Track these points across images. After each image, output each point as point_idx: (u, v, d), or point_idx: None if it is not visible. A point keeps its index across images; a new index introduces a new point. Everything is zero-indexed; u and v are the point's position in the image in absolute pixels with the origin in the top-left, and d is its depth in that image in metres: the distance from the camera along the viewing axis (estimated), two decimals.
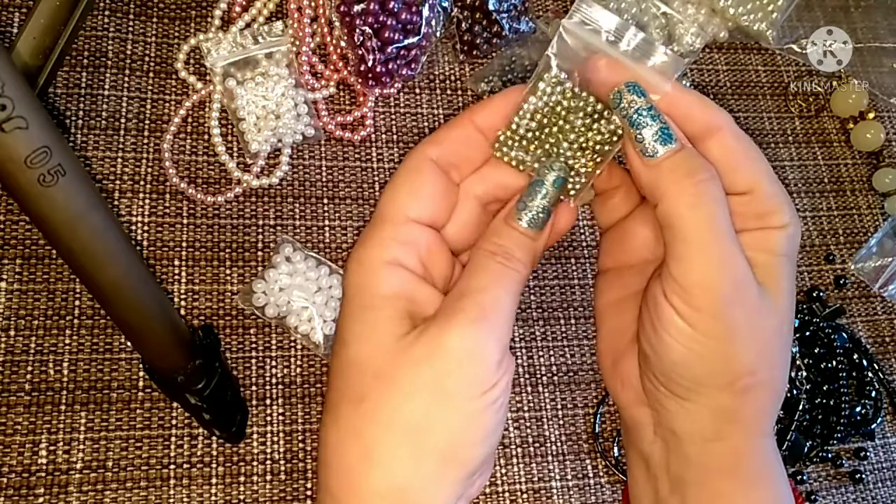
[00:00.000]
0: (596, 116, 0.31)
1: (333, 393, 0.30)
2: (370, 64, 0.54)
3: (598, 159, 0.32)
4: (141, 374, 0.47)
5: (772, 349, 0.30)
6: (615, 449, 0.51)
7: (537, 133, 0.32)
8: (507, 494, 0.49)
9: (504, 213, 0.32)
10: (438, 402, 0.28)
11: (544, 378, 0.52)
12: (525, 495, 0.49)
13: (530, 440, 0.51)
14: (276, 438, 0.47)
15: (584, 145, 0.32)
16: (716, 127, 0.30)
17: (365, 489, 0.28)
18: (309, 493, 0.47)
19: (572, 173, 0.32)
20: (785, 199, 0.31)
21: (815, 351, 0.54)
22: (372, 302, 0.30)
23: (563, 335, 0.53)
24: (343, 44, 0.55)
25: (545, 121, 0.32)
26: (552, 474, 0.50)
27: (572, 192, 0.33)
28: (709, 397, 0.30)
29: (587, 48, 0.31)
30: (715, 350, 0.29)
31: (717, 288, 0.28)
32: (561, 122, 0.32)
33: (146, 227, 0.49)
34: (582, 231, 0.56)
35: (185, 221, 0.50)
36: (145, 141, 0.51)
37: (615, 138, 0.32)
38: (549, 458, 0.50)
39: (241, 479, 0.46)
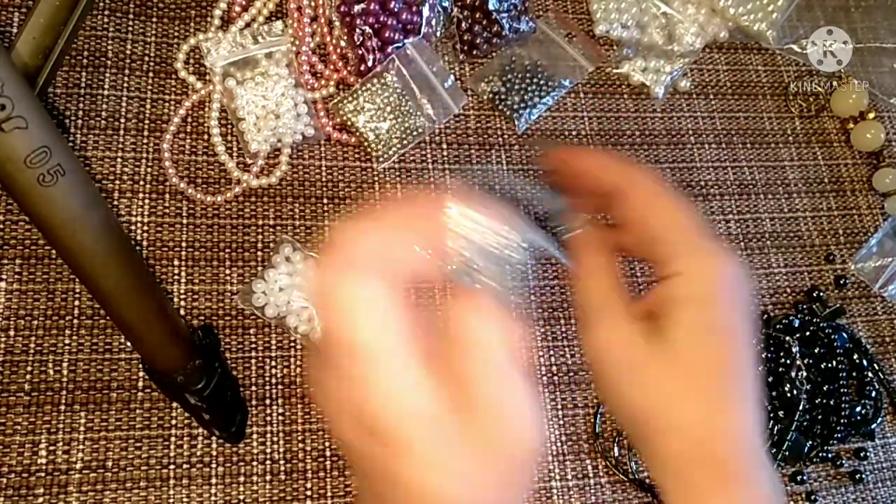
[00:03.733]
0: None
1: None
2: (370, 64, 0.54)
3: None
4: (140, 374, 0.46)
5: (669, 393, 0.30)
6: (615, 449, 0.51)
7: None
8: None
9: None
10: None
11: (544, 378, 0.52)
12: (524, 495, 0.49)
13: None
14: (275, 438, 0.47)
15: None
16: (621, 192, 0.31)
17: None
18: (308, 492, 0.47)
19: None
20: (684, 250, 0.30)
21: (816, 351, 0.54)
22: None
23: (563, 335, 0.53)
24: (343, 43, 0.55)
25: None
26: (552, 474, 0.50)
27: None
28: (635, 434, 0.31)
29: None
30: (613, 402, 0.31)
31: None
32: None
33: (146, 227, 0.49)
34: None
35: (184, 221, 0.50)
36: (145, 141, 0.51)
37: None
38: (550, 457, 0.50)
39: (241, 478, 0.46)
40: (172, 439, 0.46)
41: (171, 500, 0.45)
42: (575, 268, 0.32)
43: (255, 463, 0.47)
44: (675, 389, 0.29)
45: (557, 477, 0.50)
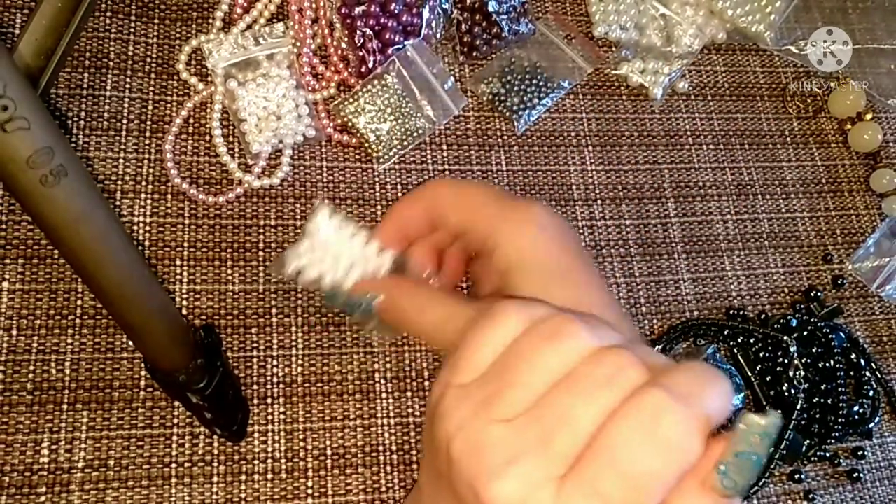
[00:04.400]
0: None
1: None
2: (371, 65, 0.54)
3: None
4: (142, 373, 0.47)
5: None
6: None
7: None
8: None
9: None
10: None
11: None
12: None
13: None
14: (277, 437, 0.48)
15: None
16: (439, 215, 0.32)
17: None
18: (309, 491, 0.47)
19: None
20: (487, 226, 0.30)
21: (813, 350, 0.55)
22: None
23: None
24: (344, 45, 0.55)
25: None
26: None
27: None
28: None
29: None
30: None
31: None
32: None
33: (148, 228, 0.50)
34: (581, 231, 0.56)
35: (186, 222, 0.50)
36: (147, 141, 0.51)
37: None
38: None
39: (243, 477, 0.46)
40: (174, 438, 0.46)
41: (172, 499, 0.45)
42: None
43: (256, 461, 0.47)
44: None
45: None
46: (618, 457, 0.21)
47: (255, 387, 0.48)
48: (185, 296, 0.49)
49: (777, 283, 0.58)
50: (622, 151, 0.59)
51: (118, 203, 0.50)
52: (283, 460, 0.47)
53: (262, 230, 0.51)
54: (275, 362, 0.49)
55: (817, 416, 0.54)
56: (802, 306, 0.57)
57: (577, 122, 0.59)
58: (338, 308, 0.34)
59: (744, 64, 0.64)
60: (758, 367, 0.54)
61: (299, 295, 0.50)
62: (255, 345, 0.49)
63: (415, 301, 0.30)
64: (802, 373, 0.53)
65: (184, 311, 0.49)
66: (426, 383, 0.50)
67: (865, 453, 0.55)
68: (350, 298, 0.32)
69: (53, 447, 0.45)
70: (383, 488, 0.48)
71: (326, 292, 0.33)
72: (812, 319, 0.56)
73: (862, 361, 0.56)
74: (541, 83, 0.58)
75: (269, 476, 0.47)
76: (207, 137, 0.52)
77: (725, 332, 0.55)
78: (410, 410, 0.50)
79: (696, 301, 0.56)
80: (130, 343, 0.47)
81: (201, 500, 0.46)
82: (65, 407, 0.46)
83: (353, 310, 0.33)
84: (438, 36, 0.57)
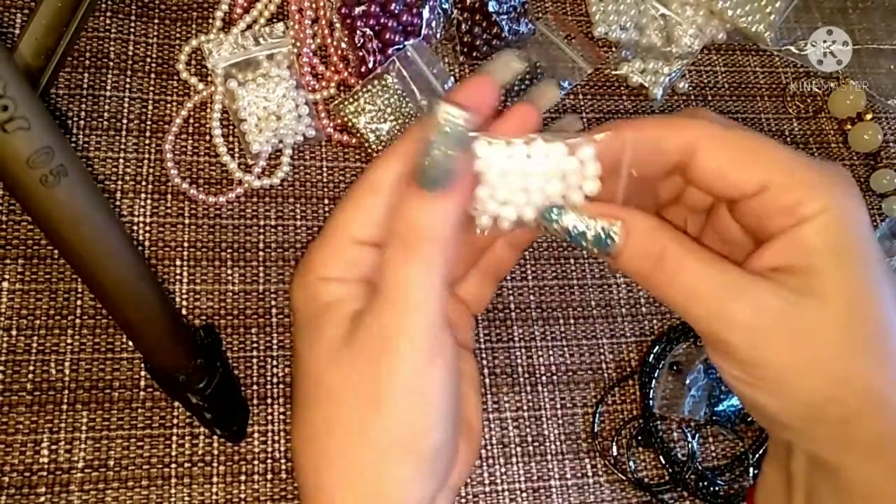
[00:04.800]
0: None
1: (292, 402, 0.31)
2: (371, 65, 0.54)
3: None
4: (142, 373, 0.47)
5: (839, 363, 0.25)
6: (614, 448, 0.52)
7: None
8: (506, 493, 0.49)
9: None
10: (369, 398, 0.28)
11: (543, 378, 0.52)
12: (524, 494, 0.50)
13: (529, 439, 0.51)
14: (277, 437, 0.48)
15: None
16: (691, 151, 0.27)
17: (323, 483, 0.28)
18: None
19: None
20: (817, 182, 0.26)
21: None
22: (314, 312, 0.30)
23: (563, 335, 0.53)
24: (344, 45, 0.55)
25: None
26: (551, 473, 0.50)
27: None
28: (803, 434, 0.27)
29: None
30: (784, 395, 0.26)
31: (726, 336, 0.26)
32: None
33: (148, 228, 0.50)
34: None
35: (186, 222, 0.50)
36: (147, 141, 0.51)
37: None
38: (549, 457, 0.51)
39: (242, 477, 0.46)
40: (174, 438, 0.46)
41: (172, 499, 0.45)
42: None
43: (256, 462, 0.47)
44: (844, 355, 0.25)
45: (556, 476, 0.50)
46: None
47: (255, 387, 0.48)
48: (185, 296, 0.49)
49: None
50: None
51: (118, 203, 0.50)
52: (282, 461, 0.47)
53: (262, 230, 0.51)
54: (275, 362, 0.49)
55: None
56: None
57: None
58: (565, 239, 0.28)
59: (744, 64, 0.64)
60: None
61: None
62: (255, 345, 0.49)
63: (675, 251, 0.26)
64: None
65: (184, 311, 0.49)
66: None
67: None
68: (578, 227, 0.27)
69: (53, 447, 0.45)
70: None
71: (545, 223, 0.28)
72: None
73: None
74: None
75: (269, 476, 0.47)
76: (207, 137, 0.52)
77: None
78: None
79: None
80: (130, 343, 0.47)
81: (201, 500, 0.46)
82: (64, 407, 0.46)
83: (580, 241, 0.28)
84: (438, 36, 0.57)
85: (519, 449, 0.50)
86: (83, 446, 0.45)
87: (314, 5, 0.56)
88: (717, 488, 0.52)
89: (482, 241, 0.33)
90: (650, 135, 0.28)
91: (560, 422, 0.51)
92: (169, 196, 0.51)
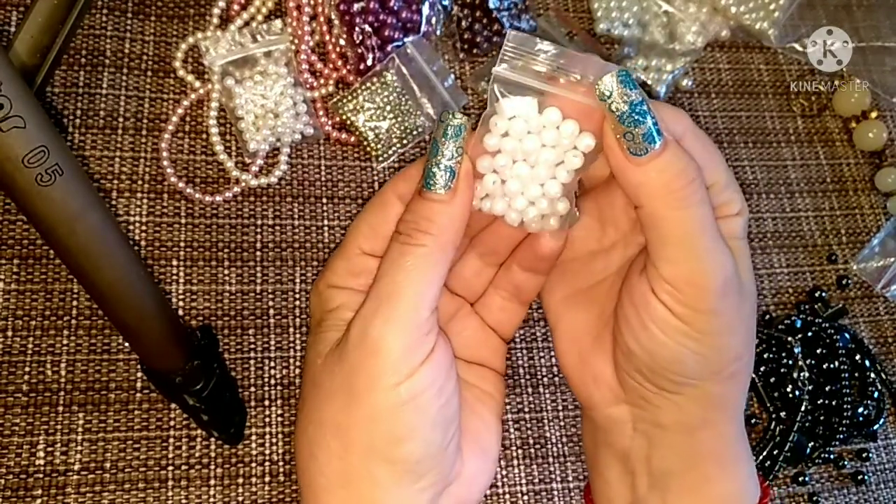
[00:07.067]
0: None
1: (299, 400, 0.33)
2: (370, 62, 0.53)
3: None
4: (139, 374, 0.46)
5: (749, 330, 0.31)
6: None
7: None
8: (507, 496, 0.49)
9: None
10: (350, 401, 0.28)
11: (545, 379, 0.52)
12: (526, 497, 0.49)
13: (531, 441, 0.50)
14: (274, 440, 0.47)
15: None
16: (678, 134, 0.31)
17: (314, 484, 0.30)
18: None
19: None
20: (736, 188, 0.33)
21: (818, 351, 0.54)
22: (321, 317, 0.32)
23: None
24: (342, 42, 0.54)
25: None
26: (553, 476, 0.50)
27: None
28: (699, 388, 0.30)
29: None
30: (710, 345, 0.29)
31: (711, 286, 0.29)
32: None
33: (144, 227, 0.49)
34: None
35: (183, 221, 0.50)
36: (143, 140, 0.51)
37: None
38: (550, 459, 0.50)
39: (240, 480, 0.46)
40: (171, 440, 0.46)
41: (169, 502, 0.45)
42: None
43: (253, 464, 0.46)
44: (752, 327, 0.32)
45: (558, 479, 0.50)
46: None
47: (252, 388, 0.48)
48: (181, 296, 0.48)
49: (781, 283, 0.58)
50: None
51: (114, 202, 0.49)
52: (280, 463, 0.47)
53: (259, 229, 0.51)
54: (272, 364, 0.48)
55: (821, 417, 0.53)
56: (807, 307, 0.57)
57: None
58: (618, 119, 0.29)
59: (747, 61, 0.64)
60: (762, 369, 0.54)
61: (297, 295, 0.50)
62: (252, 346, 0.49)
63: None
64: (806, 374, 0.53)
65: (180, 312, 0.48)
66: None
67: (870, 455, 0.54)
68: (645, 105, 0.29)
69: (49, 449, 0.44)
70: None
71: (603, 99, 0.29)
72: (816, 320, 0.55)
73: (867, 363, 0.55)
74: None
75: (267, 479, 0.46)
76: (204, 136, 0.52)
77: None
78: None
79: None
80: (126, 344, 0.46)
81: (198, 502, 0.45)
82: (60, 409, 0.45)
83: (637, 116, 0.29)
84: (438, 33, 0.57)
85: (520, 451, 0.50)
86: (79, 448, 0.45)
87: (312, 2, 0.55)
88: None
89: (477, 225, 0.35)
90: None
91: (562, 423, 0.51)
92: (165, 195, 0.50)
